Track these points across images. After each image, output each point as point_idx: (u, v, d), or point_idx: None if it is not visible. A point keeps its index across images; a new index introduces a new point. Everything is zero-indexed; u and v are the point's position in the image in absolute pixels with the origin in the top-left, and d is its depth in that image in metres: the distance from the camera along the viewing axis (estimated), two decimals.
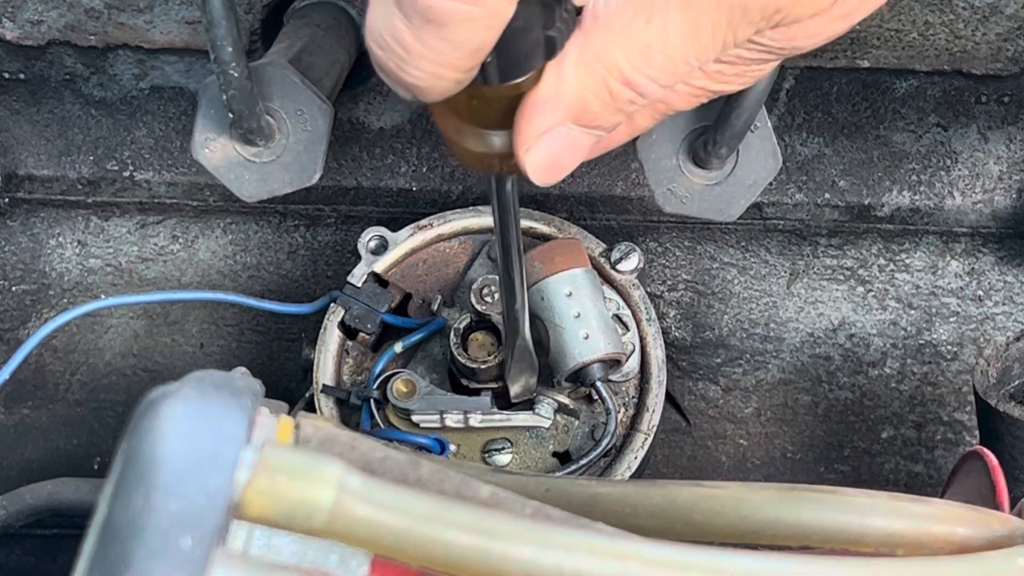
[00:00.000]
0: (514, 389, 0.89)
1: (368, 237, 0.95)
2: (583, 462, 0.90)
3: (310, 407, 0.94)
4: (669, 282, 1.11)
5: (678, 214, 0.88)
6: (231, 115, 0.81)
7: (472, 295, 0.90)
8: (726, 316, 1.11)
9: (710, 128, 0.84)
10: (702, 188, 0.87)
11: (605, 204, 1.08)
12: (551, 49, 0.53)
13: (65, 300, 1.11)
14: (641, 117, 0.64)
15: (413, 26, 0.49)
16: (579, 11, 0.54)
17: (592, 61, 0.55)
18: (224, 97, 0.80)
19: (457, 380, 0.93)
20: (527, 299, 0.78)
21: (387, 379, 0.90)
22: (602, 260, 0.95)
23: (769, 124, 0.86)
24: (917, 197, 1.08)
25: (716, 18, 0.55)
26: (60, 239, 1.10)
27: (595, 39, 0.55)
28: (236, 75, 0.78)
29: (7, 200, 1.08)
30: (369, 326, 0.93)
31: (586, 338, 0.88)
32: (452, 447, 0.90)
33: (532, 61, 0.53)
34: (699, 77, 0.61)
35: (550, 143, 0.57)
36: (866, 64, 1.00)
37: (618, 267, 0.94)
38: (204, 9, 0.74)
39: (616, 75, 0.56)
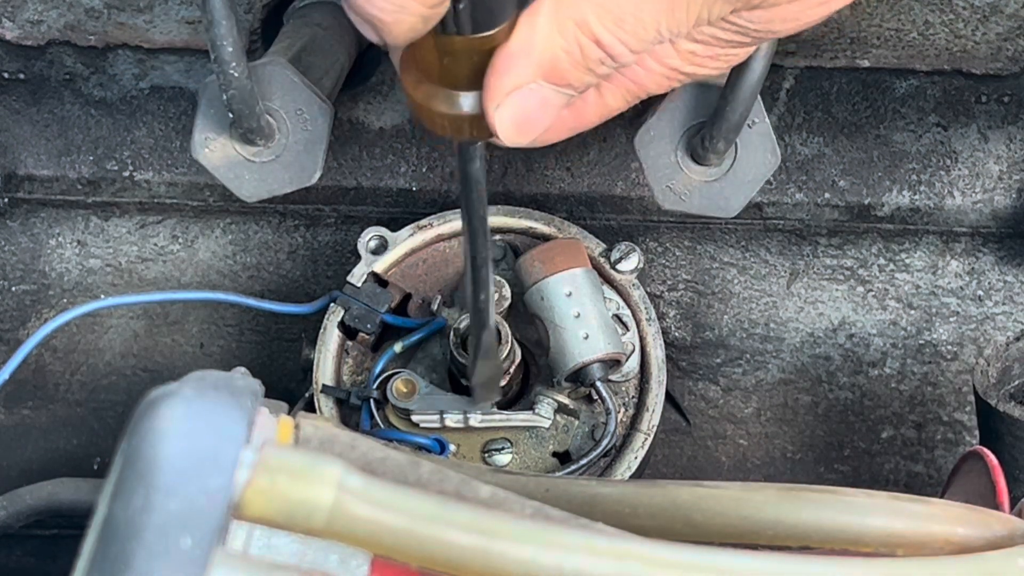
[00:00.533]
0: (480, 393, 0.86)
1: (368, 237, 0.95)
2: (583, 462, 0.90)
3: (310, 407, 0.94)
4: (669, 282, 1.11)
5: (677, 211, 0.88)
6: (231, 115, 0.81)
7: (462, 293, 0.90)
8: (726, 316, 1.11)
9: (707, 123, 0.84)
10: (701, 185, 0.87)
11: (605, 204, 1.08)
12: None
13: (65, 300, 1.11)
14: (612, 95, 0.64)
15: None
16: None
17: (564, 17, 0.55)
18: (224, 97, 0.80)
19: (457, 380, 0.93)
20: (491, 291, 0.72)
21: (387, 379, 0.90)
22: (602, 260, 0.95)
23: (767, 119, 0.86)
24: (917, 197, 1.08)
25: None
26: (60, 239, 1.10)
27: None
28: (236, 75, 0.78)
29: (7, 200, 1.08)
30: (369, 326, 0.93)
31: (586, 338, 0.88)
32: (452, 447, 0.90)
33: (505, 10, 0.53)
34: (672, 56, 0.61)
35: (521, 100, 0.56)
36: (866, 63, 1.00)
37: (618, 267, 0.94)
38: (204, 9, 0.74)
39: (587, 32, 0.55)
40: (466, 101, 0.56)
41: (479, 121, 0.56)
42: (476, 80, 0.55)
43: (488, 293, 0.71)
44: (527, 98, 0.56)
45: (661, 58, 0.61)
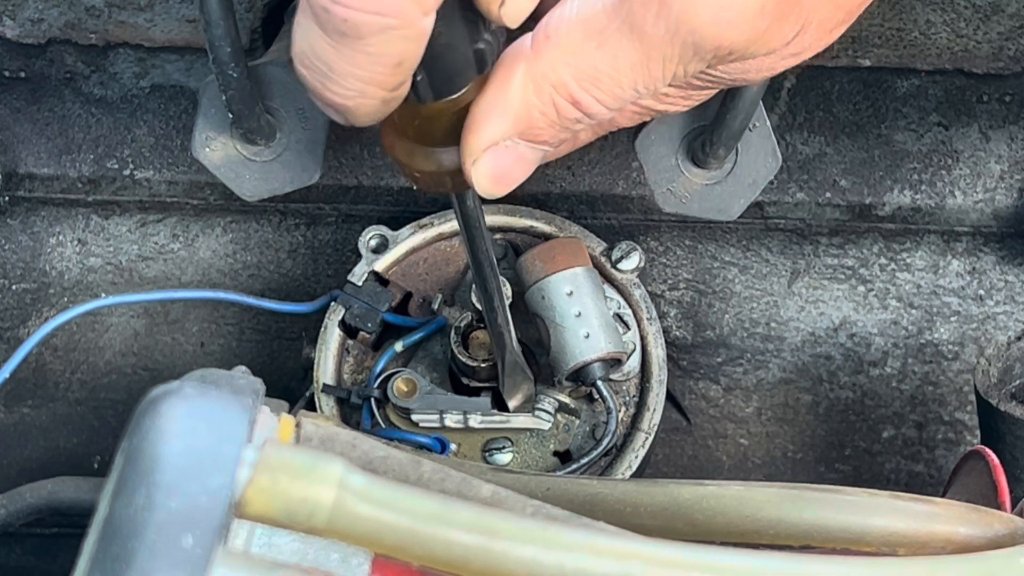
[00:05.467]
0: (512, 402, 0.90)
1: (369, 236, 0.95)
2: (584, 461, 0.90)
3: (310, 406, 0.94)
4: (670, 281, 1.11)
5: (678, 214, 0.88)
6: (230, 115, 0.81)
7: (473, 294, 0.90)
8: (727, 315, 1.11)
9: (707, 128, 0.84)
10: (702, 188, 0.87)
11: (606, 203, 1.07)
12: (482, 63, 0.54)
13: (65, 299, 1.11)
14: (584, 133, 0.65)
15: (334, 43, 0.49)
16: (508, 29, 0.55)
17: (540, 78, 0.55)
18: (223, 97, 0.80)
19: (458, 379, 0.93)
20: (509, 313, 0.79)
21: (388, 378, 0.90)
22: (603, 259, 0.95)
23: (768, 123, 0.86)
24: (918, 196, 1.08)
25: (668, 52, 0.55)
26: (60, 238, 1.10)
27: (545, 57, 0.55)
28: (235, 75, 0.78)
29: (7, 199, 1.08)
30: (370, 325, 0.93)
31: (587, 337, 0.88)
32: (453, 446, 0.90)
33: (464, 76, 0.54)
34: (645, 98, 0.62)
35: (496, 156, 0.57)
36: (867, 63, 1.00)
37: (619, 266, 0.94)
38: (202, 10, 0.74)
39: (564, 94, 0.56)
40: (444, 157, 0.57)
41: (458, 175, 0.58)
42: (451, 137, 0.57)
43: (506, 318, 0.77)
44: (503, 154, 0.57)
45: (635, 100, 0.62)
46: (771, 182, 0.87)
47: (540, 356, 0.94)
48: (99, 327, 1.12)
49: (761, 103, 0.83)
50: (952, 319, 1.11)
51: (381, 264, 0.95)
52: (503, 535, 0.46)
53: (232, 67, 0.77)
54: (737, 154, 0.86)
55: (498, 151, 0.57)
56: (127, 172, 1.07)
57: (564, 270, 0.90)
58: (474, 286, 0.73)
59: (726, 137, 0.81)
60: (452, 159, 0.57)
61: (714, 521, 0.57)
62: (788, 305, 1.12)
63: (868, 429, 1.13)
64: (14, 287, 1.11)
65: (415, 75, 0.52)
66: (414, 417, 0.90)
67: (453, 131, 0.56)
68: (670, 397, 1.08)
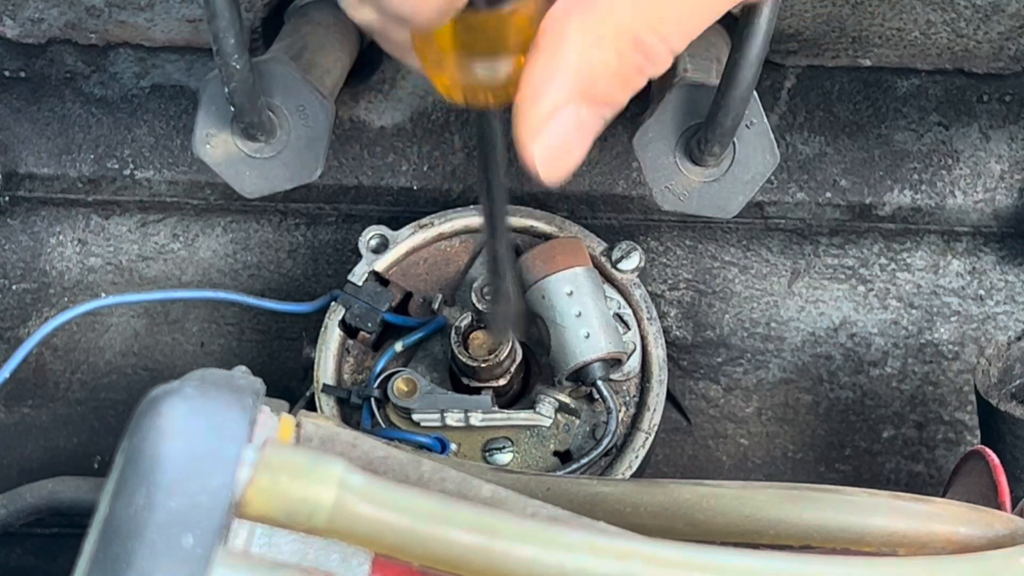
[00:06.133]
0: (496, 327, 0.84)
1: (369, 236, 0.95)
2: (584, 461, 0.90)
3: (311, 406, 0.94)
4: (670, 281, 1.11)
5: (677, 212, 0.88)
6: (232, 108, 0.81)
7: (473, 294, 0.90)
8: (727, 315, 1.11)
9: (702, 126, 0.84)
10: (700, 185, 0.86)
11: (606, 203, 1.07)
12: None
13: (65, 299, 1.11)
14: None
15: None
16: None
17: (597, 24, 0.50)
18: (226, 90, 0.80)
19: (458, 379, 0.93)
20: (509, 239, 0.72)
21: (388, 378, 0.90)
22: (603, 259, 0.94)
23: (765, 119, 0.85)
24: (918, 196, 1.08)
25: None
26: (60, 237, 1.10)
27: (600, 4, 0.50)
28: (238, 67, 0.78)
29: (7, 198, 1.08)
30: (370, 325, 0.93)
31: (587, 337, 0.88)
32: (453, 446, 0.90)
33: None
34: (703, 28, 0.58)
35: (558, 127, 0.51)
36: (868, 63, 1.00)
37: (619, 266, 0.94)
38: (206, 2, 0.74)
39: (626, 37, 0.50)
40: (483, 71, 0.53)
41: (497, 90, 0.53)
42: (495, 48, 0.52)
43: (508, 247, 0.69)
44: (564, 123, 0.51)
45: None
46: (771, 182, 0.87)
47: (540, 356, 0.94)
48: (99, 327, 1.12)
49: (758, 100, 0.83)
50: (952, 319, 1.11)
51: (381, 264, 0.95)
52: (503, 535, 0.46)
53: (235, 58, 0.77)
54: (735, 151, 0.85)
55: (559, 120, 0.51)
56: (127, 172, 1.07)
57: (564, 270, 0.90)
58: (479, 199, 0.65)
59: (719, 134, 0.81)
60: (491, 73, 0.53)
61: (714, 521, 0.57)
62: (788, 305, 1.12)
63: (868, 429, 1.13)
64: (14, 287, 1.11)
65: None
66: (415, 416, 0.90)
67: (498, 43, 0.52)
68: (670, 397, 1.08)
